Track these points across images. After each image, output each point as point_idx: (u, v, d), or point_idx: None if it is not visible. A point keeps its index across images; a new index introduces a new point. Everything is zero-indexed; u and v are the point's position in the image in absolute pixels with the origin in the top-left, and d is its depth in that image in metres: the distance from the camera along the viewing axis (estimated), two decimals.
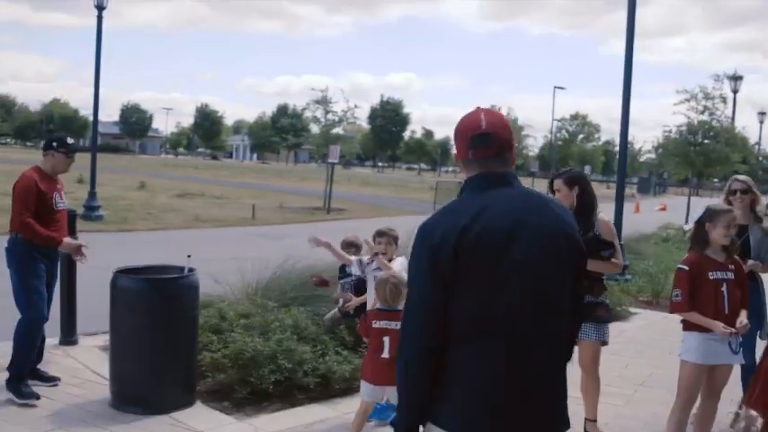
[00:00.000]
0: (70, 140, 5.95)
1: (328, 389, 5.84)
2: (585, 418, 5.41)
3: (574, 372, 5.35)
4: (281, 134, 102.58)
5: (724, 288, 4.59)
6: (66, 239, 5.82)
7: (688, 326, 4.73)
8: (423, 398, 2.32)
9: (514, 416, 2.28)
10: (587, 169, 66.59)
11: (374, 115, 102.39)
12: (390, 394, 4.66)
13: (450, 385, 2.29)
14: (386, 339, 4.56)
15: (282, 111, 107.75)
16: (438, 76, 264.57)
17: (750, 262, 5.29)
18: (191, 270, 5.50)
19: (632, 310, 10.18)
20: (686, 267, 4.68)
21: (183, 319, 5.42)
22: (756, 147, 39.62)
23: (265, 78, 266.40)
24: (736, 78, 26.26)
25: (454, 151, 2.53)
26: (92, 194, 17.90)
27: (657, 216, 35.90)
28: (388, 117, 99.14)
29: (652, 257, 14.23)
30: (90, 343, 7.19)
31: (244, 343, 5.73)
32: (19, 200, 5.58)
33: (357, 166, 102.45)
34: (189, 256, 5.50)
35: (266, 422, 5.25)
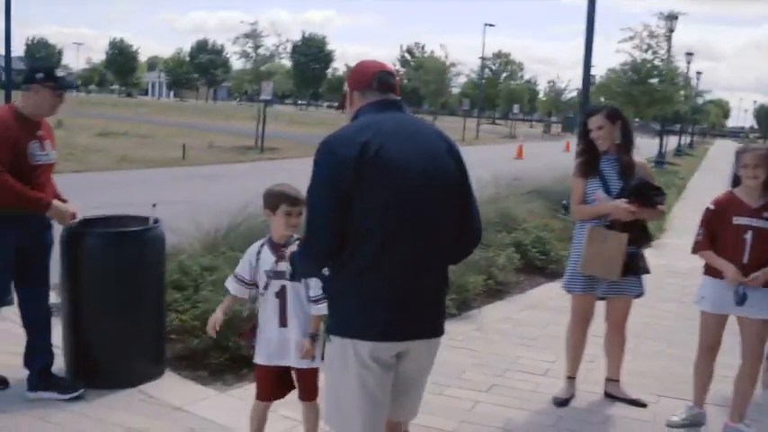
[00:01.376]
0: (60, 72, 4.51)
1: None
2: (607, 378, 4.96)
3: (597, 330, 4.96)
4: (200, 71, 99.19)
5: (748, 236, 4.18)
6: (56, 202, 4.35)
7: (706, 270, 4.40)
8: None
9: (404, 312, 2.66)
10: (515, 108, 66.74)
11: (296, 52, 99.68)
12: None
13: (350, 294, 2.66)
14: None
15: (202, 46, 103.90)
16: (359, 13, 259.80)
17: None
18: (156, 221, 4.71)
19: None
20: (711, 207, 4.36)
21: (150, 278, 4.67)
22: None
23: (179, 14, 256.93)
24: (671, 18, 26.16)
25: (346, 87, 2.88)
26: None
27: None
28: (312, 54, 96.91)
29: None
30: None
31: (218, 303, 4.98)
32: None
33: (278, 104, 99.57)
34: (154, 205, 4.70)
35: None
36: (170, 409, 4.28)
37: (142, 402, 4.35)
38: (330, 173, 2.54)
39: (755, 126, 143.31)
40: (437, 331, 2.82)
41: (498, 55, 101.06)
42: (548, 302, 7.39)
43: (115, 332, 4.52)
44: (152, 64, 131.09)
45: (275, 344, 3.54)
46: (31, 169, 4.25)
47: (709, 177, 26.99)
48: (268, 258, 3.50)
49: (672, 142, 41.36)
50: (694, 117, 47.10)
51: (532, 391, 4.98)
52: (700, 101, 47.98)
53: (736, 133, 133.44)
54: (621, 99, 20.96)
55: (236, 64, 28.17)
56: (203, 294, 5.23)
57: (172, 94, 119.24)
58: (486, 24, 63.03)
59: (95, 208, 11.60)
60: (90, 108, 50.69)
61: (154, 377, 4.69)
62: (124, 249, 4.49)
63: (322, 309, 3.60)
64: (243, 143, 25.97)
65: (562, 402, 4.78)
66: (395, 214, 2.55)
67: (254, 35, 24.29)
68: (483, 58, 64.05)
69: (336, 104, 3.14)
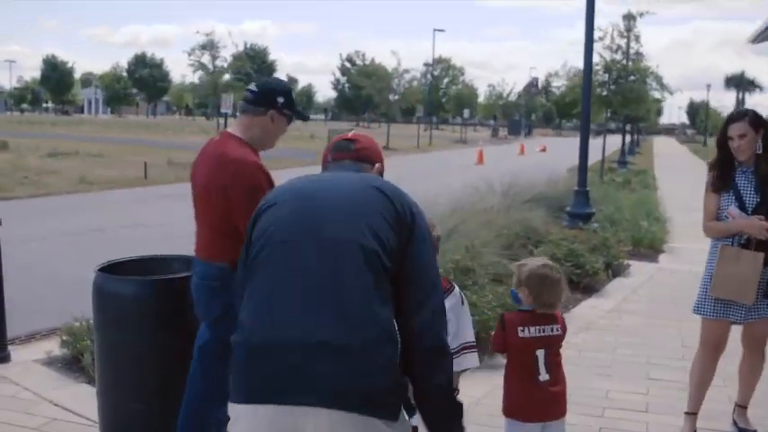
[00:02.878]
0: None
1: None
2: (736, 404, 4.51)
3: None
4: (139, 85, 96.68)
5: None
6: None
7: None
8: None
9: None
10: (466, 113, 66.66)
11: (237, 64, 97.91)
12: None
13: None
14: (539, 354, 3.18)
15: (140, 60, 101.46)
16: (293, 22, 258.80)
17: None
18: None
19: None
20: None
21: None
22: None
23: (112, 28, 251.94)
24: (630, 18, 26.02)
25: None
26: None
27: (547, 158, 35.81)
28: (255, 65, 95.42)
29: (602, 202, 13.54)
30: (25, 356, 5.46)
31: None
32: (244, 206, 2.96)
33: (218, 116, 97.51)
34: None
35: None
36: None
37: None
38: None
39: (687, 122, 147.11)
40: (345, 400, 1.91)
41: (439, 60, 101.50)
42: (599, 323, 6.80)
43: (164, 402, 3.72)
44: (86, 80, 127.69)
45: None
46: None
47: (670, 175, 27.06)
48: None
49: (613, 141, 40.79)
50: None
51: None
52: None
53: (670, 130, 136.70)
54: (594, 99, 20.60)
55: (177, 78, 26.76)
56: None
57: (109, 110, 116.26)
58: (435, 30, 62.74)
59: (69, 235, 10.59)
60: (30, 128, 48.70)
61: None
62: (171, 299, 3.70)
63: (461, 363, 3.05)
64: None
65: None
66: (264, 257, 2.13)
67: (211, 46, 23.28)
68: (431, 64, 63.90)
69: None
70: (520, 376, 3.21)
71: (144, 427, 3.76)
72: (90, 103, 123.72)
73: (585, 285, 7.99)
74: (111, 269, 3.89)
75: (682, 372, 5.19)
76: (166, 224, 11.99)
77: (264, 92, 3.37)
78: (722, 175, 4.13)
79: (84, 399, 4.56)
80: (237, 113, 3.46)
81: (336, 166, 2.41)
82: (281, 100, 3.35)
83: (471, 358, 3.11)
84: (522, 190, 12.72)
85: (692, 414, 4.34)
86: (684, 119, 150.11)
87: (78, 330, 5.30)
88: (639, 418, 4.59)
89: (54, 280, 8.05)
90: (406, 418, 2.09)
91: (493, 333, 3.31)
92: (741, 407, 4.46)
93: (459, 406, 2.29)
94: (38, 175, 18.14)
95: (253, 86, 3.43)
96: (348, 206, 2.14)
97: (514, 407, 3.21)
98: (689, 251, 10.66)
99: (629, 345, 6.12)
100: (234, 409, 2.03)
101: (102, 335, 3.78)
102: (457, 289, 3.09)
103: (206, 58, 23.55)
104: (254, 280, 2.11)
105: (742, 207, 4.04)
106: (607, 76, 20.06)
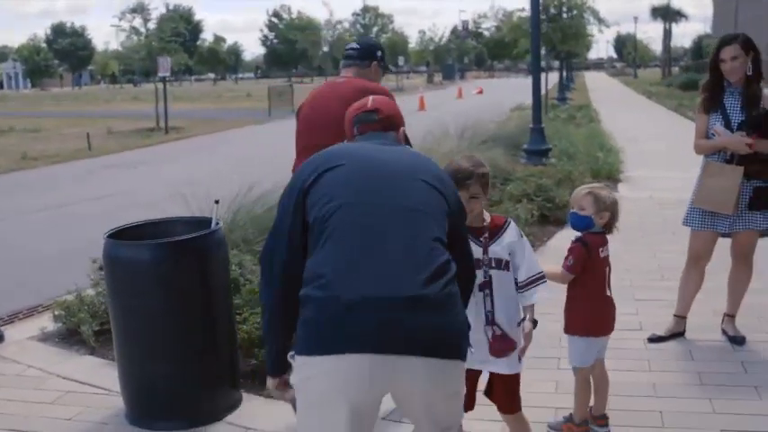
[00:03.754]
0: None
1: None
2: (725, 314, 4.78)
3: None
4: (61, 56, 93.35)
5: None
6: None
7: None
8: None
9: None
10: (401, 60, 66.34)
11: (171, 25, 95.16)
12: (603, 345, 3.58)
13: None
14: (606, 272, 3.50)
15: (60, 30, 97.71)
16: None
17: None
18: (217, 222, 3.94)
19: None
20: None
21: (219, 291, 3.89)
22: None
23: None
24: None
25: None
26: None
27: (484, 99, 36.08)
28: (183, 26, 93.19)
29: (554, 137, 13.75)
30: (17, 335, 5.37)
31: None
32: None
33: (144, 82, 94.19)
34: (217, 202, 3.92)
35: None
36: None
37: None
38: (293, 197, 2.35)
39: (614, 56, 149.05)
40: (438, 348, 2.12)
41: (366, 9, 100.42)
42: None
43: (184, 362, 3.76)
44: (1, 54, 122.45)
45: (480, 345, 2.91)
46: None
47: (609, 107, 27.51)
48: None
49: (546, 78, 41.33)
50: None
51: (644, 350, 4.66)
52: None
53: (599, 64, 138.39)
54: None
55: (100, 45, 25.81)
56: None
57: (29, 84, 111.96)
58: None
59: (27, 213, 10.32)
60: None
61: (235, 405, 3.96)
62: (184, 261, 3.70)
63: (533, 296, 3.05)
64: (142, 125, 24.37)
65: (656, 339, 4.66)
66: (342, 217, 2.23)
67: (141, 9, 22.61)
68: (360, 13, 63.18)
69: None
70: (594, 295, 3.47)
71: (167, 391, 3.79)
72: (9, 77, 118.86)
73: (557, 218, 8.19)
74: (114, 237, 3.85)
75: (664, 291, 5.45)
76: (122, 193, 11.83)
77: (367, 47, 3.99)
78: (712, 97, 4.35)
79: (91, 369, 4.57)
80: (341, 68, 3.98)
81: (364, 139, 2.50)
82: (379, 54, 3.97)
83: (544, 289, 3.13)
84: (476, 132, 12.86)
85: (680, 317, 4.72)
86: (612, 52, 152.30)
87: (72, 303, 5.24)
88: (636, 336, 4.82)
89: (21, 260, 7.89)
90: (472, 351, 2.38)
91: (573, 256, 3.41)
92: (729, 316, 4.74)
93: None
94: None
95: (354, 45, 4.03)
96: (408, 180, 2.31)
97: (589, 324, 3.46)
98: (644, 179, 11.03)
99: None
100: (322, 362, 2.08)
101: (117, 302, 3.76)
102: (513, 223, 3.11)
103: (137, 22, 22.85)
104: (332, 238, 2.18)
105: (727, 125, 4.27)
106: (545, 14, 20.17)
